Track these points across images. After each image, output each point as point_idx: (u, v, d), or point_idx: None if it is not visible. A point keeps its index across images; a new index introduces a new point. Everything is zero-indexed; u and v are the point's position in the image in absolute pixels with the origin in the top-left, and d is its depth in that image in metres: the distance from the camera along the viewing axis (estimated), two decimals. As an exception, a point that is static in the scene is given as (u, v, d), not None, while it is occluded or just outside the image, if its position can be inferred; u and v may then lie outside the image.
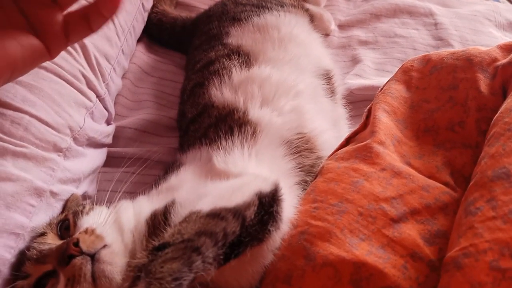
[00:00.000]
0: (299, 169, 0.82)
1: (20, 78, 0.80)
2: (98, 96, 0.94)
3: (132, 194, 0.83)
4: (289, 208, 0.72)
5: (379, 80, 1.11)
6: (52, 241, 0.70)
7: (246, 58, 0.99)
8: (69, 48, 0.91)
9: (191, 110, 0.96)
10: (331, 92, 1.04)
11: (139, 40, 1.29)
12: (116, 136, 1.03)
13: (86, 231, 0.67)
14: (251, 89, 0.91)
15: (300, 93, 0.94)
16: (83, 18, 0.53)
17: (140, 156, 0.96)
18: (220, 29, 1.10)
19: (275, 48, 1.02)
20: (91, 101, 0.91)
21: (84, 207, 0.75)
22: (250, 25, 1.08)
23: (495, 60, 0.81)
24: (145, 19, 1.30)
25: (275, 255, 0.69)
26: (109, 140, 0.99)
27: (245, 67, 0.96)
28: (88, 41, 0.95)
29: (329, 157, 0.84)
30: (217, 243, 0.60)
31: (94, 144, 0.91)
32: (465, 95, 0.79)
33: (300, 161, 0.83)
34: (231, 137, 0.83)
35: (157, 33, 1.35)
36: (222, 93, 0.92)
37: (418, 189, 0.70)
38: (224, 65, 0.97)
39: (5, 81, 0.56)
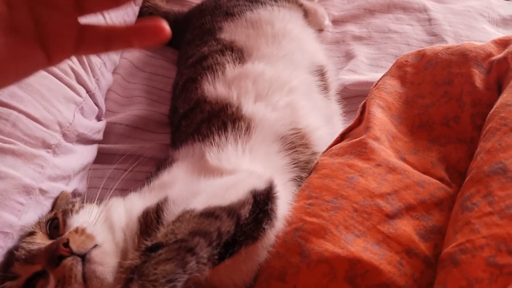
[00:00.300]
0: (294, 165, 0.81)
1: (7, 72, 0.78)
2: (88, 91, 0.92)
3: (123, 191, 0.81)
4: (284, 205, 0.71)
5: (373, 75, 1.11)
6: (41, 240, 0.68)
7: (239, 54, 0.98)
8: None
9: (183, 105, 0.94)
10: (325, 88, 1.03)
11: (130, 35, 1.26)
12: (107, 132, 1.02)
13: (76, 231, 0.65)
14: (244, 85, 0.89)
15: (294, 89, 0.93)
16: (104, 36, 0.44)
17: (132, 152, 0.95)
18: (213, 23, 1.09)
19: (269, 44, 1.01)
20: (80, 96, 0.89)
21: (73, 206, 0.73)
22: (243, 20, 1.07)
23: (490, 55, 0.80)
24: (136, 13, 1.28)
25: (269, 252, 0.68)
26: (99, 136, 0.97)
27: (239, 63, 0.95)
28: (77, 34, 0.93)
29: (323, 153, 0.83)
30: (212, 243, 0.59)
31: (84, 140, 0.89)
32: (460, 90, 0.79)
33: (295, 157, 0.82)
34: (225, 133, 0.82)
35: (148, 27, 1.32)
36: (215, 88, 0.90)
37: (413, 184, 0.69)
38: (217, 60, 0.95)
39: None
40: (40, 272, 0.64)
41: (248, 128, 0.83)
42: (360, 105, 0.87)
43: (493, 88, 0.77)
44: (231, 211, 0.63)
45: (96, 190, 0.78)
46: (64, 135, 0.82)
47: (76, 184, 0.86)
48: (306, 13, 1.22)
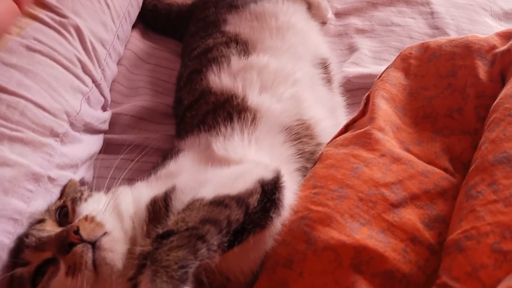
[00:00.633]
0: (299, 156, 0.82)
1: (15, 62, 0.78)
2: (94, 81, 0.93)
3: (130, 181, 0.82)
4: (290, 194, 0.72)
5: (376, 68, 1.12)
6: (51, 228, 0.69)
7: (244, 46, 0.98)
8: (63, 31, 0.90)
9: (188, 97, 0.95)
10: (328, 81, 1.04)
11: (133, 27, 1.27)
12: (112, 123, 1.02)
13: (86, 218, 0.66)
14: (250, 76, 0.90)
15: (298, 81, 0.94)
16: None
17: (138, 143, 0.95)
18: (217, 16, 1.09)
19: (273, 37, 1.02)
20: (87, 86, 0.90)
21: (82, 194, 0.74)
22: (247, 13, 1.07)
23: (493, 47, 0.81)
24: (140, 4, 1.28)
25: (275, 240, 0.69)
26: (105, 126, 0.97)
27: (244, 55, 0.96)
28: (83, 25, 0.94)
29: (328, 144, 0.84)
30: (222, 230, 0.60)
31: (90, 130, 0.90)
32: (463, 82, 0.80)
33: (300, 148, 0.83)
34: (231, 124, 0.83)
35: (152, 19, 1.33)
36: (220, 79, 0.91)
37: (418, 174, 0.71)
38: (222, 52, 0.96)
39: None
40: (51, 259, 0.65)
41: (253, 119, 0.83)
42: (364, 97, 0.88)
43: (497, 80, 0.78)
44: (240, 200, 0.64)
45: (103, 179, 0.79)
46: (72, 124, 0.82)
47: (83, 173, 0.86)
48: (310, 6, 1.22)
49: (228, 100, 0.87)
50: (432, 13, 1.30)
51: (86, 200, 0.72)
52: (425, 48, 0.89)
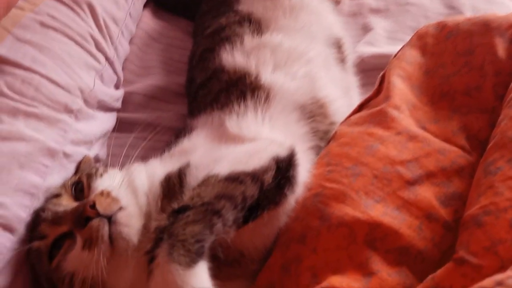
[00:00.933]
0: (312, 134, 0.82)
1: (29, 38, 0.78)
2: (107, 58, 0.92)
3: (143, 159, 0.82)
4: (304, 172, 0.72)
5: (391, 48, 1.09)
6: (67, 202, 0.69)
7: (257, 25, 0.97)
8: (76, 8, 0.89)
9: (201, 75, 0.95)
10: (342, 60, 1.02)
11: (145, 6, 1.26)
12: (125, 101, 1.03)
13: (101, 194, 0.67)
14: (263, 54, 0.89)
15: (312, 60, 0.93)
16: None
17: (151, 122, 0.95)
18: (230, -6, 1.08)
19: (286, 16, 1.01)
20: (100, 63, 0.90)
21: (97, 170, 0.74)
22: None
23: (513, 24, 0.79)
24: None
25: (289, 217, 0.69)
26: (118, 104, 0.98)
27: (257, 34, 0.95)
28: (95, 2, 0.93)
29: (342, 123, 0.84)
30: (237, 206, 0.61)
31: (104, 107, 0.90)
32: (482, 60, 0.78)
33: (314, 126, 0.83)
34: (244, 102, 0.82)
35: (163, -2, 1.32)
36: (233, 57, 0.90)
37: (434, 152, 0.70)
38: (235, 31, 0.95)
39: None
40: (67, 233, 0.66)
41: (267, 97, 0.83)
42: (379, 76, 0.87)
43: (517, 58, 0.76)
44: (255, 176, 0.65)
45: (117, 157, 0.79)
46: (85, 101, 0.83)
47: (97, 150, 0.87)
48: (323, -15, 1.20)
49: (241, 78, 0.86)
50: (448, -8, 1.27)
51: (101, 175, 0.73)
52: (442, 27, 0.87)
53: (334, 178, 0.70)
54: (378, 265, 0.61)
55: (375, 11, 1.25)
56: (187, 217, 0.58)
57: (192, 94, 0.97)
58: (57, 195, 0.71)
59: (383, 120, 0.76)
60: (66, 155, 0.75)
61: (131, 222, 0.66)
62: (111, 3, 1.00)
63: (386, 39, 1.16)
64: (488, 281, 0.44)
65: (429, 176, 0.68)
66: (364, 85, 1.03)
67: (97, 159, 0.87)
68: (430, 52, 0.85)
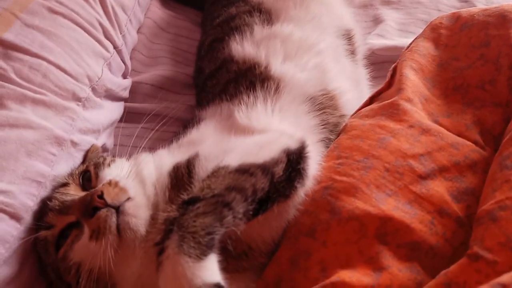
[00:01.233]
0: (322, 126, 0.81)
1: (37, 23, 0.77)
2: (115, 47, 0.91)
3: (151, 149, 0.82)
4: (314, 164, 0.71)
5: (402, 40, 1.08)
6: (74, 192, 0.69)
7: (267, 15, 0.96)
8: (85, -6, 0.88)
9: (209, 65, 0.93)
10: (352, 52, 1.01)
11: (153, -5, 1.25)
12: (133, 91, 1.02)
13: (109, 183, 0.66)
14: (273, 44, 0.88)
15: (322, 52, 0.91)
16: None
17: (158, 112, 0.95)
18: (240, -16, 1.06)
19: (297, 7, 0.99)
20: (108, 51, 0.88)
21: (105, 159, 0.74)
22: None
23: (531, 16, 0.77)
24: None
25: (298, 210, 0.68)
26: (126, 94, 0.97)
27: (267, 24, 0.94)
28: (104, -12, 0.92)
29: (352, 115, 0.82)
30: (247, 198, 0.60)
31: (111, 96, 0.89)
32: (497, 52, 0.76)
33: (324, 118, 0.81)
34: (253, 92, 0.81)
35: (172, -12, 1.30)
36: (243, 47, 0.89)
37: (447, 146, 0.68)
38: (245, 21, 0.94)
39: None
40: (74, 223, 0.65)
41: (277, 88, 0.82)
42: (391, 68, 0.86)
43: (534, 50, 0.74)
44: (265, 168, 0.64)
45: (124, 147, 0.79)
46: (93, 90, 0.82)
47: (105, 139, 0.86)
48: (334, -24, 1.18)
49: (250, 69, 0.85)
50: (461, -16, 1.25)
51: (109, 165, 0.72)
52: (456, 18, 0.86)
53: (344, 171, 0.69)
54: (388, 260, 0.60)
55: (387, 2, 1.23)
56: (197, 209, 0.58)
57: (201, 85, 0.96)
58: (64, 184, 0.70)
59: (395, 112, 0.74)
60: (73, 143, 0.75)
61: (139, 213, 0.65)
62: (119, -10, 0.99)
63: (397, 31, 1.14)
64: (506, 277, 0.43)
65: (441, 171, 0.66)
66: (374, 78, 1.02)
67: (104, 149, 0.86)
68: (444, 44, 0.84)
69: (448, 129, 0.72)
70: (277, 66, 0.85)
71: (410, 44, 0.87)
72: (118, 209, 0.63)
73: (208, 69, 0.93)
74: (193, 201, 0.59)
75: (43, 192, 0.69)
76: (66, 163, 0.73)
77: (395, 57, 0.89)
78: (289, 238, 0.68)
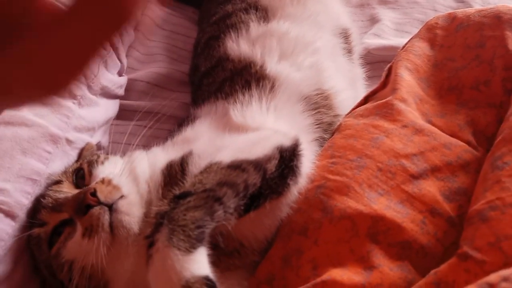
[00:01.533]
0: (317, 126, 0.81)
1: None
2: (111, 44, 0.91)
3: (145, 147, 0.82)
4: (307, 163, 0.72)
5: (398, 40, 1.08)
6: (68, 189, 0.69)
7: (264, 13, 0.96)
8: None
9: (205, 63, 0.94)
10: (349, 51, 1.01)
11: (150, -8, 1.24)
12: (128, 89, 1.02)
13: (102, 181, 0.66)
14: (269, 43, 0.88)
15: (319, 50, 0.91)
16: None
17: (153, 109, 0.95)
18: (237, -19, 1.06)
19: (294, 4, 0.99)
20: (104, 49, 0.88)
21: (98, 157, 0.74)
22: None
23: (526, 17, 0.78)
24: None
25: (291, 208, 0.69)
26: (121, 91, 0.97)
27: (263, 21, 0.93)
28: (100, -13, 0.92)
29: (347, 114, 0.83)
30: (238, 194, 0.60)
31: (107, 94, 0.90)
32: (492, 53, 0.77)
33: (318, 118, 0.82)
34: (249, 91, 0.81)
35: (168, -14, 1.30)
36: (238, 46, 0.89)
37: (440, 146, 0.69)
38: (241, 18, 0.94)
39: None
40: (67, 220, 0.66)
41: (272, 87, 0.82)
42: (386, 68, 0.86)
43: (527, 52, 0.75)
44: (257, 164, 0.64)
45: (118, 145, 0.79)
46: (89, 87, 0.82)
47: (100, 137, 0.87)
48: (331, -26, 1.18)
49: (246, 67, 0.85)
50: (458, -16, 1.25)
51: (102, 163, 0.72)
52: (452, 18, 0.86)
53: (337, 170, 0.69)
54: (379, 259, 0.60)
55: (383, 2, 1.23)
56: (188, 203, 0.58)
57: (196, 83, 0.96)
58: (57, 182, 0.70)
59: (389, 112, 0.74)
60: (68, 141, 0.75)
61: (132, 211, 0.65)
62: (115, -11, 0.98)
63: (393, 31, 1.14)
64: (493, 276, 0.44)
65: (434, 171, 0.67)
66: (370, 77, 1.02)
67: (99, 147, 0.86)
68: (439, 45, 0.84)
69: (441, 129, 0.72)
70: (273, 65, 0.85)
71: (406, 44, 0.88)
72: (111, 207, 0.64)
73: (204, 67, 0.93)
74: (184, 195, 0.60)
75: (38, 190, 0.69)
76: (61, 161, 0.74)
77: (391, 56, 0.89)
78: (282, 236, 0.68)
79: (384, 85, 0.84)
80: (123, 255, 0.64)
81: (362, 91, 0.98)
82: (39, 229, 0.67)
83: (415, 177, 0.66)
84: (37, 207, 0.69)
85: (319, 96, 0.83)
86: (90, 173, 0.71)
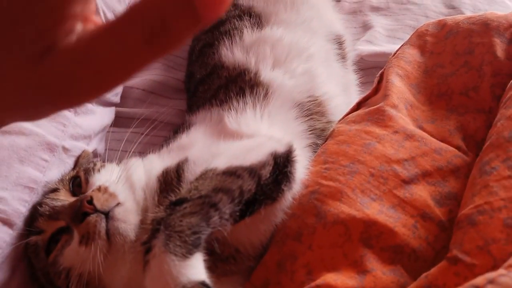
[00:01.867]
0: (310, 132, 0.82)
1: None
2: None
3: (141, 154, 0.83)
4: (301, 168, 0.73)
5: (391, 47, 1.10)
6: (64, 197, 0.70)
7: (257, 19, 0.97)
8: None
9: (200, 71, 0.95)
10: (342, 57, 1.02)
11: (145, 1, 1.26)
12: (124, 96, 1.03)
13: (99, 189, 0.67)
14: (263, 50, 0.89)
15: (312, 56, 0.93)
16: None
17: (149, 117, 0.96)
18: (230, -11, 1.07)
19: (287, 10, 1.00)
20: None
21: (95, 165, 0.75)
22: None
23: (513, 24, 0.80)
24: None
25: (285, 214, 0.70)
26: (117, 99, 0.98)
27: (257, 28, 0.95)
28: (96, -5, 0.93)
29: (339, 120, 0.84)
30: (234, 200, 0.61)
31: (103, 102, 0.91)
32: (480, 60, 0.78)
33: (311, 124, 0.83)
34: (243, 98, 0.82)
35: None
36: (233, 53, 0.90)
37: (431, 152, 0.70)
38: (235, 25, 0.95)
39: None
40: (64, 228, 0.66)
41: (266, 94, 0.83)
42: (378, 74, 0.87)
43: (515, 58, 0.76)
44: (252, 171, 0.65)
45: (114, 152, 0.80)
46: (85, 96, 0.83)
47: (96, 144, 0.87)
48: (324, -19, 1.20)
49: (240, 75, 0.87)
50: (449, -9, 1.27)
51: (99, 170, 0.73)
52: (442, 25, 0.88)
53: (330, 176, 0.71)
54: (372, 263, 0.62)
55: (376, 9, 1.25)
56: (184, 209, 0.59)
57: (192, 90, 0.97)
58: (54, 190, 0.71)
59: (380, 118, 0.76)
60: (65, 149, 0.76)
61: (128, 218, 0.66)
62: (111, -3, 1.00)
63: (386, 38, 1.16)
64: (480, 279, 0.45)
65: (425, 176, 0.68)
66: (363, 83, 1.04)
67: (95, 154, 0.87)
68: (429, 51, 0.85)
69: (432, 135, 0.74)
70: (266, 73, 0.86)
71: (397, 51, 0.89)
72: (107, 215, 0.64)
73: (199, 74, 0.95)
74: (180, 202, 0.61)
75: (35, 198, 0.70)
76: (58, 169, 0.74)
77: (384, 63, 0.90)
78: (277, 241, 0.69)
79: (376, 91, 0.86)
80: (120, 262, 0.65)
81: (355, 97, 0.99)
82: (36, 237, 0.67)
83: (406, 182, 0.68)
84: (34, 215, 0.69)
85: (312, 102, 0.85)
86: (87, 181, 0.71)
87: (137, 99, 1.04)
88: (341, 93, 0.94)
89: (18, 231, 0.67)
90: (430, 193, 0.66)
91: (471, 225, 0.54)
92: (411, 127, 0.74)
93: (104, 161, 0.78)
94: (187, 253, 0.55)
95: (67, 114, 0.78)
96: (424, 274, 0.55)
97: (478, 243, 0.52)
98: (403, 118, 0.75)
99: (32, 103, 0.28)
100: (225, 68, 0.89)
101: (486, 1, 1.26)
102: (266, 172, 0.66)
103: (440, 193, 0.67)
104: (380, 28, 1.19)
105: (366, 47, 1.12)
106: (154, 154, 0.81)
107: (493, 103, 0.75)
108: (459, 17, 0.88)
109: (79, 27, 0.26)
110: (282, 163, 0.68)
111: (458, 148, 0.72)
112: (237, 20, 0.96)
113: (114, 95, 0.96)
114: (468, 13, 1.21)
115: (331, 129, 0.82)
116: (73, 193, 0.71)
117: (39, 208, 0.68)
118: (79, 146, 0.79)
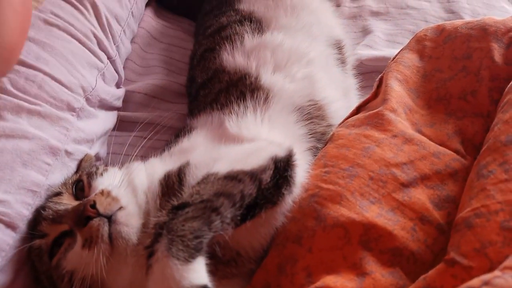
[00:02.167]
0: (310, 136, 0.83)
1: (33, 35, 0.79)
2: (109, 57, 0.93)
3: (143, 158, 0.83)
4: (301, 172, 0.73)
5: (390, 51, 1.11)
6: (67, 201, 0.70)
7: (258, 24, 0.98)
8: (80, 6, 0.90)
9: (201, 75, 0.96)
10: (342, 62, 1.03)
11: (147, 5, 1.27)
12: (126, 100, 1.04)
13: (102, 193, 0.68)
14: (263, 55, 0.90)
15: (312, 61, 0.94)
16: None
17: (151, 121, 0.97)
18: (232, -6, 1.09)
19: (288, 15, 1.01)
20: (102, 62, 0.91)
21: (98, 169, 0.76)
22: None
23: (510, 29, 0.80)
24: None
25: (286, 217, 0.70)
26: (119, 103, 0.99)
27: (258, 33, 0.96)
28: (99, 0, 0.94)
29: (339, 124, 0.85)
30: (235, 204, 0.62)
31: (105, 106, 0.91)
32: (478, 65, 0.79)
33: (312, 128, 0.84)
34: (244, 102, 0.83)
35: (165, -2, 1.33)
36: (234, 58, 0.91)
37: (429, 155, 0.71)
38: (236, 30, 0.96)
39: None
40: (67, 231, 0.67)
41: (266, 98, 0.84)
42: (377, 79, 0.88)
43: (512, 63, 0.77)
44: (253, 175, 0.66)
45: (117, 156, 0.81)
46: (87, 100, 0.84)
47: (98, 148, 0.88)
48: (324, -14, 1.20)
49: (241, 79, 0.88)
50: (448, -4, 1.28)
51: (101, 174, 0.74)
52: (440, 30, 0.88)
53: (330, 179, 0.71)
54: (372, 265, 0.62)
55: (375, 13, 1.26)
56: (186, 214, 0.60)
57: (193, 94, 0.98)
58: (57, 194, 0.72)
59: (379, 122, 0.77)
60: (68, 153, 0.76)
61: (130, 222, 0.67)
62: (113, 2, 1.01)
63: (385, 42, 1.17)
64: (475, 280, 0.45)
65: (423, 179, 0.69)
66: (363, 87, 1.05)
67: (98, 158, 0.88)
68: (428, 56, 0.86)
69: (430, 139, 0.75)
70: (267, 77, 0.87)
71: (396, 55, 0.90)
72: (110, 218, 0.65)
73: (200, 79, 0.96)
74: (182, 206, 0.61)
75: (38, 202, 0.71)
76: (61, 173, 0.75)
77: (383, 67, 0.91)
78: (277, 244, 0.70)
79: (375, 95, 0.86)
80: (122, 265, 0.65)
81: (355, 101, 1.00)
82: (40, 241, 0.68)
83: (405, 185, 0.69)
84: (38, 218, 0.70)
85: (312, 106, 0.86)
86: (90, 185, 0.72)
87: (139, 104, 1.05)
88: (341, 97, 0.95)
89: (21, 234, 0.68)
90: (428, 196, 0.67)
91: (468, 228, 0.55)
92: (410, 131, 0.75)
93: (106, 165, 0.79)
94: (190, 257, 0.56)
95: (70, 118, 0.79)
96: (422, 276, 0.56)
97: (475, 246, 0.53)
98: (402, 122, 0.76)
99: None
100: (226, 72, 0.90)
101: (485, 6, 1.27)
102: (266, 177, 0.66)
103: (438, 196, 0.67)
104: (380, 33, 1.20)
105: (365, 52, 1.13)
106: (156, 158, 0.82)
107: (491, 107, 0.76)
108: (457, 22, 0.89)
109: None
110: (282, 167, 0.69)
111: (456, 151, 0.73)
112: (238, 25, 0.97)
113: (116, 99, 0.97)
114: (467, 18, 1.22)
115: (331, 133, 0.83)
116: (76, 197, 0.72)
117: (43, 212, 0.69)
118: (81, 150, 0.80)
